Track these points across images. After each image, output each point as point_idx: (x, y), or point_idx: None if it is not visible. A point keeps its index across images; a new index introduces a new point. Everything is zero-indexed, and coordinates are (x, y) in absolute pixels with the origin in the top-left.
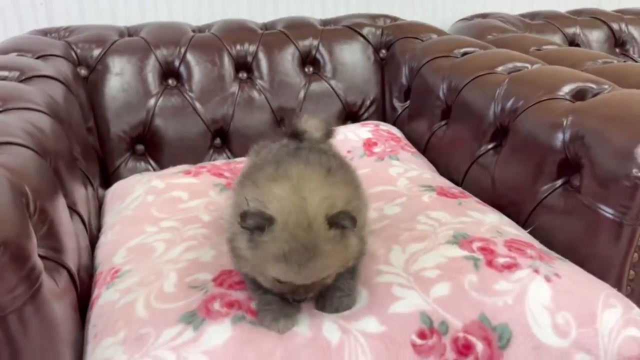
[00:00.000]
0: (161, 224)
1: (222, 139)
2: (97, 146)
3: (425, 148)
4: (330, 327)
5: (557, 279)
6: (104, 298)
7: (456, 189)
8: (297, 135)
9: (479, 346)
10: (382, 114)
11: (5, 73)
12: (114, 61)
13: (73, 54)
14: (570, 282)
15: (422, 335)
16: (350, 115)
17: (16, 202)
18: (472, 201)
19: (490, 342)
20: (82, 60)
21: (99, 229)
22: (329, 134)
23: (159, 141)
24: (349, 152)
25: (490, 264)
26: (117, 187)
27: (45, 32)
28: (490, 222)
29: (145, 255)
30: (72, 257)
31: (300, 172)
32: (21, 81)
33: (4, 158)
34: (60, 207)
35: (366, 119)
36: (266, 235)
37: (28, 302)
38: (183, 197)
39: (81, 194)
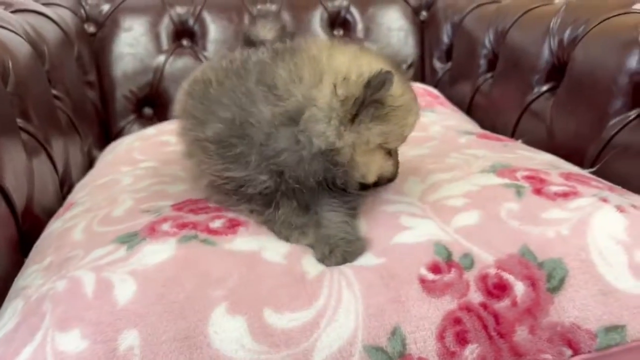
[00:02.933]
0: (139, 165)
1: None
2: (97, 104)
3: (468, 108)
4: (311, 260)
5: (635, 210)
6: (49, 229)
7: (502, 136)
8: (251, 44)
9: (519, 287)
10: (421, 78)
11: None
12: (124, 18)
13: (82, 10)
14: None
15: (435, 268)
16: None
17: None
18: (522, 145)
19: (535, 282)
20: (91, 17)
21: None
22: (282, 33)
23: (168, 104)
24: None
25: (538, 192)
26: (113, 142)
27: None
28: (542, 158)
29: (107, 188)
30: (14, 183)
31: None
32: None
33: None
34: (5, 128)
35: None
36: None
37: None
38: (171, 140)
39: (57, 137)
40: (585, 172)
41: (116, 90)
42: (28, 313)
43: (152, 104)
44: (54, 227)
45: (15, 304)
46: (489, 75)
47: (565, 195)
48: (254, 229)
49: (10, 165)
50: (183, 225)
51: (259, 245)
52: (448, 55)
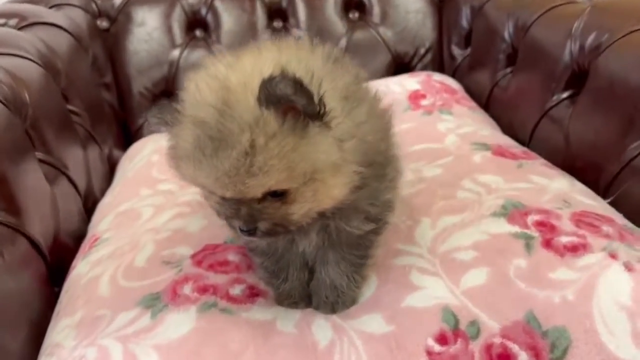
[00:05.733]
0: (157, 187)
1: None
2: (114, 104)
3: (487, 102)
4: (321, 325)
5: None
6: (77, 270)
7: (518, 149)
8: None
9: (523, 357)
10: (440, 65)
11: (3, 20)
12: (136, 11)
13: (93, 4)
14: None
15: (441, 339)
16: (402, 67)
17: None
18: (537, 163)
19: (539, 352)
20: (103, 11)
21: (105, 190)
22: None
23: None
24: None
25: (547, 244)
26: (133, 147)
27: None
28: (557, 188)
29: (129, 222)
30: (39, 225)
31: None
32: (20, 28)
33: None
34: (26, 167)
35: (421, 70)
36: (175, 128)
37: None
38: None
39: (76, 155)
40: (602, 205)
41: (132, 87)
42: None
43: (169, 98)
44: (81, 269)
45: None
46: (508, 70)
47: (574, 249)
48: (272, 301)
49: (35, 209)
50: (204, 290)
51: (273, 315)
52: (467, 40)
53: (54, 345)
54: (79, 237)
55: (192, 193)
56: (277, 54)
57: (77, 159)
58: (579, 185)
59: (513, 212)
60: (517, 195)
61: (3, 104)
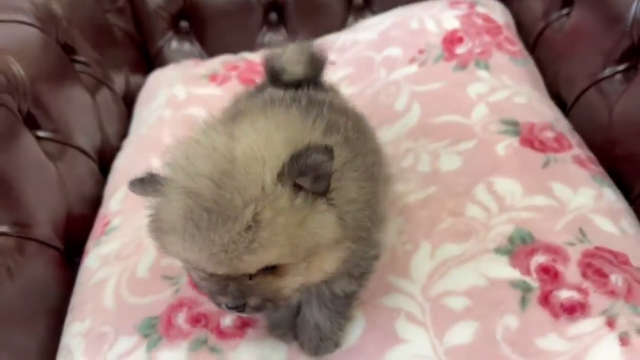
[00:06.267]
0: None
1: (279, 12)
2: (130, 29)
3: (535, 42)
4: None
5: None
6: (88, 260)
7: (551, 132)
8: (276, 78)
9: None
10: None
11: None
12: None
13: None
14: None
15: None
16: None
17: None
18: (567, 158)
19: None
20: None
21: (124, 134)
22: (316, 63)
23: (203, 16)
24: (420, 52)
25: (545, 300)
26: (152, 79)
27: None
28: (578, 205)
29: (137, 207)
30: (45, 220)
31: (254, 111)
32: None
33: None
34: (25, 158)
35: None
36: (159, 200)
37: None
38: (200, 115)
39: (84, 112)
40: (618, 235)
41: (147, 6)
42: None
43: (187, 17)
44: (91, 262)
45: None
46: (564, 11)
47: (571, 309)
48: (261, 331)
49: (40, 203)
50: (196, 320)
51: (260, 354)
52: None
53: (67, 351)
54: (95, 200)
55: None
56: (273, 126)
57: (86, 121)
58: (606, 198)
59: (519, 250)
60: (530, 219)
61: None
